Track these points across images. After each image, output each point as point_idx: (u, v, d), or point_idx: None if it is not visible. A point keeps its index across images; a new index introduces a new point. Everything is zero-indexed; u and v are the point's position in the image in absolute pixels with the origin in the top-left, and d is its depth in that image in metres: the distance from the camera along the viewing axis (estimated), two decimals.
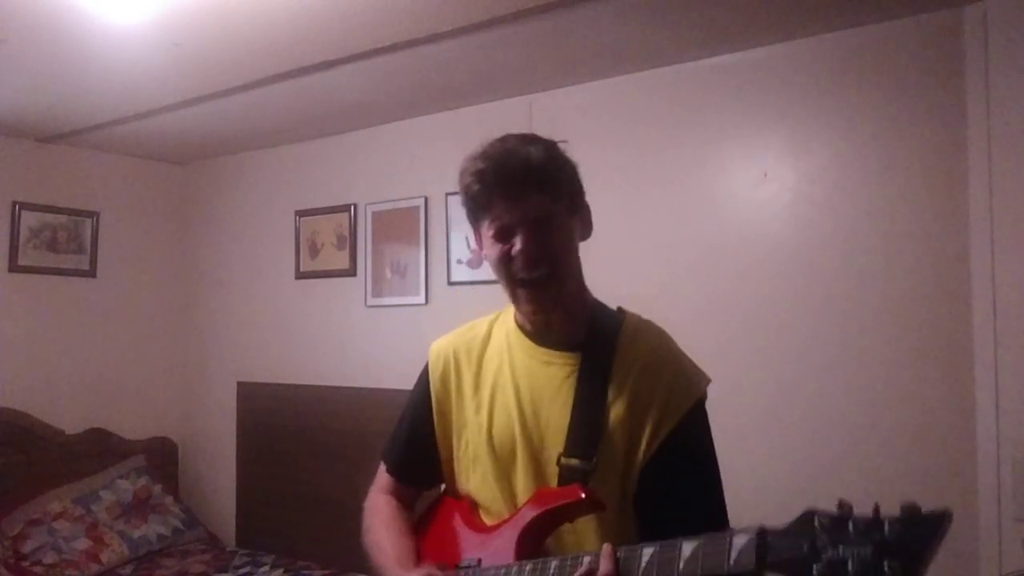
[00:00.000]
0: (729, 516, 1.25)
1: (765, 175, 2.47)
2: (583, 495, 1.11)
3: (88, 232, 3.76)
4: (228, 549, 3.57)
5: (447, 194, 3.10)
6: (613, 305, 1.32)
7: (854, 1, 2.18)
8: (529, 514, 1.15)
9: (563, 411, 1.19)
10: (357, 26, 2.30)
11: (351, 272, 3.48)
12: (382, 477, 1.42)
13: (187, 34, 2.34)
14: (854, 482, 2.29)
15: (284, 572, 3.20)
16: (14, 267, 3.52)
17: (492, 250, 1.20)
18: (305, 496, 3.51)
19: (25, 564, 3.03)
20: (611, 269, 2.74)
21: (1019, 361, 2.05)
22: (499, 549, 1.16)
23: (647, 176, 2.70)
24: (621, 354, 1.21)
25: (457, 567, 1.19)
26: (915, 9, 2.21)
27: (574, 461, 1.15)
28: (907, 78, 2.26)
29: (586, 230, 1.28)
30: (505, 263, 1.18)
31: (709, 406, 1.25)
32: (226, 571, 3.23)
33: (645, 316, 1.31)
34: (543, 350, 1.24)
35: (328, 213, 3.56)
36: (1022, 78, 2.07)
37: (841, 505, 0.89)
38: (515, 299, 1.23)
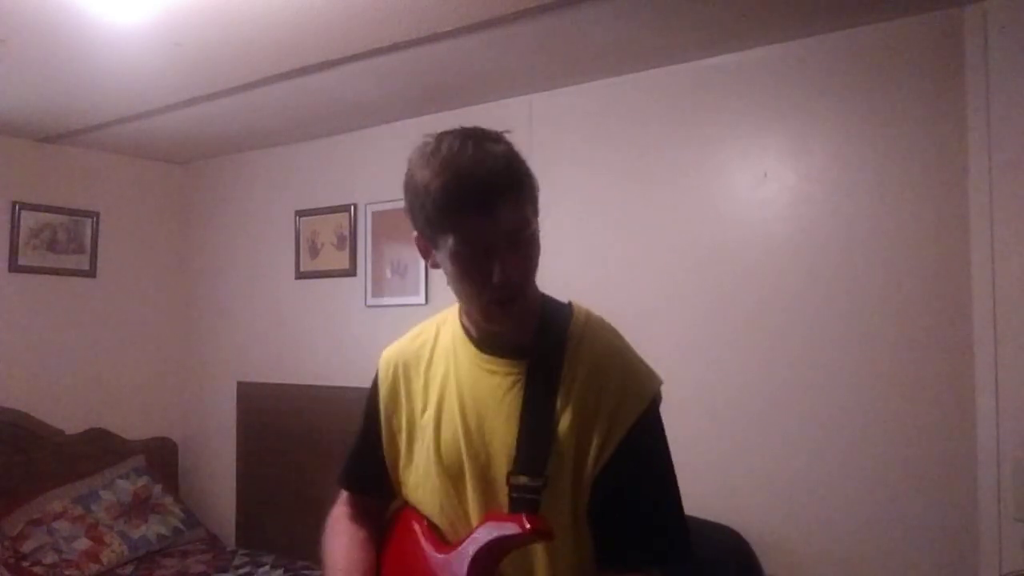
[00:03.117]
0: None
1: (765, 175, 2.47)
2: (528, 527, 1.06)
3: (88, 232, 3.76)
4: (228, 549, 3.57)
5: None
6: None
7: (854, 1, 2.18)
8: (478, 542, 1.11)
9: (509, 424, 1.13)
10: (357, 26, 2.30)
11: (351, 272, 3.48)
12: (341, 492, 1.39)
13: (187, 34, 2.34)
14: (855, 482, 2.29)
15: (284, 572, 3.20)
16: (14, 267, 3.52)
17: (458, 269, 1.08)
18: (305, 496, 3.51)
19: (25, 564, 3.03)
20: (611, 269, 2.75)
21: (1019, 361, 2.05)
22: (452, 574, 1.13)
23: (647, 176, 2.70)
24: (569, 359, 1.14)
25: None
26: (915, 9, 2.21)
27: (523, 479, 1.10)
28: (907, 78, 2.26)
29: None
30: (480, 288, 1.08)
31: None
32: (226, 571, 3.23)
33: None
34: (487, 357, 1.17)
35: (328, 213, 3.56)
36: (1022, 78, 2.07)
37: None
38: (486, 317, 1.14)
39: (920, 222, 2.23)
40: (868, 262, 2.30)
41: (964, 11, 2.16)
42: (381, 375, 1.31)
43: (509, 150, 1.09)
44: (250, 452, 3.81)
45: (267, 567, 3.26)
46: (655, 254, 2.68)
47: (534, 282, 1.16)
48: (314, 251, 3.62)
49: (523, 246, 1.08)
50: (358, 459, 1.36)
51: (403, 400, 1.27)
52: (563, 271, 2.90)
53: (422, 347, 1.28)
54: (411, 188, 1.10)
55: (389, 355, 1.32)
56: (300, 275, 3.67)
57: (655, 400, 1.16)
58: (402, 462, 1.27)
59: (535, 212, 1.12)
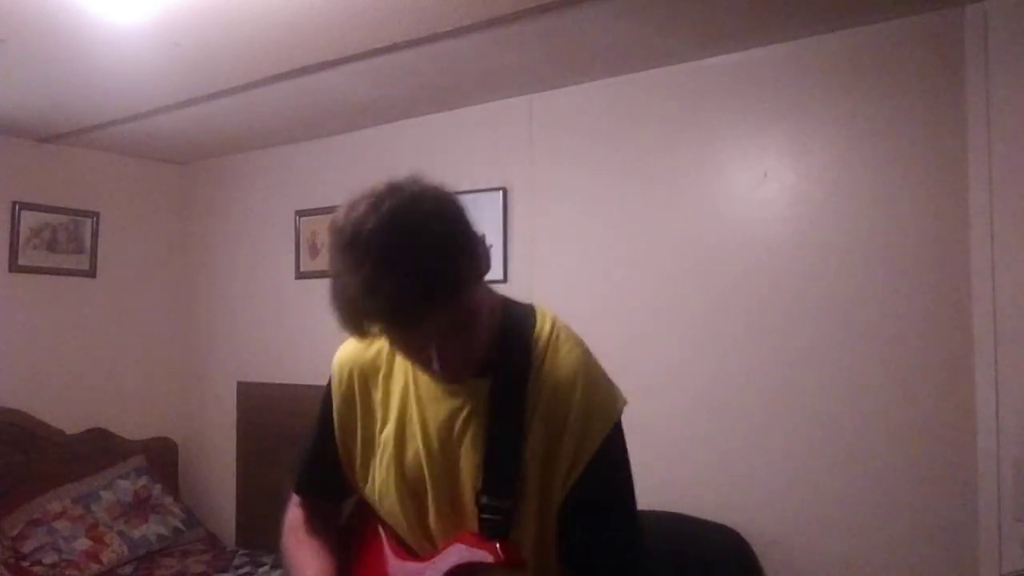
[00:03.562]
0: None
1: (765, 175, 2.47)
2: (502, 557, 1.06)
3: (88, 232, 3.76)
4: (228, 549, 3.57)
5: None
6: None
7: (854, 1, 2.18)
8: (448, 563, 1.11)
9: (474, 445, 1.11)
10: (357, 26, 2.29)
11: None
12: (293, 496, 1.37)
13: (187, 34, 2.34)
14: (855, 482, 2.29)
15: (284, 572, 3.19)
16: (14, 267, 3.52)
17: (394, 345, 1.09)
18: None
19: (25, 564, 3.03)
20: (611, 269, 2.75)
21: (1019, 361, 2.05)
22: None
23: (647, 176, 2.70)
24: (532, 379, 1.11)
25: None
26: (915, 9, 2.21)
27: (492, 500, 1.09)
28: (907, 78, 2.26)
29: (486, 263, 1.06)
30: (424, 367, 1.08)
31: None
32: (226, 571, 3.23)
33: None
34: None
35: (328, 213, 3.51)
36: (1022, 78, 2.07)
37: None
38: (435, 380, 1.13)
39: (920, 222, 2.23)
40: (868, 262, 2.30)
41: (964, 11, 2.16)
42: (335, 380, 1.26)
43: (433, 239, 0.96)
44: (250, 452, 3.81)
45: (267, 567, 3.26)
46: (655, 254, 2.67)
47: (484, 339, 1.09)
48: (314, 251, 3.62)
49: (461, 328, 1.02)
50: (312, 463, 1.32)
51: (359, 411, 1.23)
52: (563, 271, 2.90)
53: (378, 356, 1.23)
54: (331, 276, 1.00)
55: (343, 360, 1.27)
56: (300, 275, 3.67)
57: (618, 420, 1.14)
58: (358, 474, 1.25)
59: (474, 281, 1.03)
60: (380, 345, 1.23)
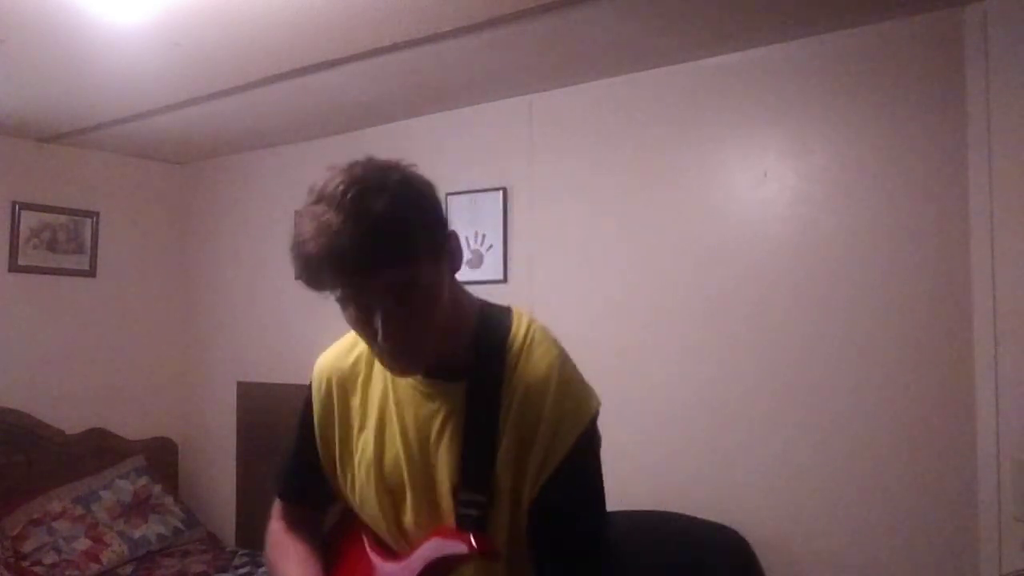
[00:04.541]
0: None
1: (765, 175, 2.47)
2: (475, 548, 1.07)
3: (88, 232, 3.76)
4: (228, 549, 3.57)
5: (447, 194, 3.10)
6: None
7: (854, 1, 2.18)
8: (424, 558, 1.12)
9: (451, 446, 1.13)
10: (357, 26, 2.30)
11: None
12: (276, 502, 1.36)
13: (187, 34, 2.34)
14: (855, 482, 2.29)
15: None
16: (14, 267, 3.52)
17: (346, 314, 1.05)
18: None
19: (25, 564, 3.03)
20: (611, 269, 2.75)
21: (1019, 361, 2.05)
22: None
23: (647, 176, 2.70)
24: (507, 380, 1.12)
25: None
26: (915, 9, 2.21)
27: (468, 494, 1.10)
28: (907, 78, 2.26)
29: (456, 260, 1.10)
30: (371, 341, 1.05)
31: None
32: (226, 571, 3.23)
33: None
34: (425, 380, 1.15)
35: None
36: (1022, 78, 2.07)
37: None
38: (384, 367, 1.13)
39: (920, 222, 2.23)
40: (868, 262, 2.30)
41: (964, 11, 2.16)
42: (314, 386, 1.28)
43: (393, 200, 0.98)
44: (250, 452, 3.81)
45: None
46: (655, 254, 2.67)
47: (442, 336, 1.09)
48: None
49: (411, 302, 1.02)
50: (294, 469, 1.34)
51: (337, 416, 1.25)
52: (563, 271, 2.90)
53: (358, 362, 1.25)
54: (291, 251, 1.04)
55: (323, 366, 1.29)
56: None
57: (589, 425, 1.13)
58: (339, 478, 1.25)
59: (434, 256, 1.04)
60: (359, 352, 1.25)
